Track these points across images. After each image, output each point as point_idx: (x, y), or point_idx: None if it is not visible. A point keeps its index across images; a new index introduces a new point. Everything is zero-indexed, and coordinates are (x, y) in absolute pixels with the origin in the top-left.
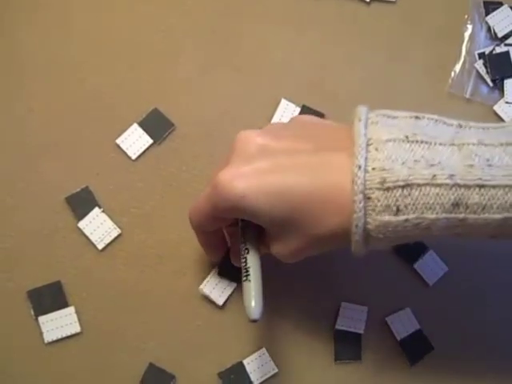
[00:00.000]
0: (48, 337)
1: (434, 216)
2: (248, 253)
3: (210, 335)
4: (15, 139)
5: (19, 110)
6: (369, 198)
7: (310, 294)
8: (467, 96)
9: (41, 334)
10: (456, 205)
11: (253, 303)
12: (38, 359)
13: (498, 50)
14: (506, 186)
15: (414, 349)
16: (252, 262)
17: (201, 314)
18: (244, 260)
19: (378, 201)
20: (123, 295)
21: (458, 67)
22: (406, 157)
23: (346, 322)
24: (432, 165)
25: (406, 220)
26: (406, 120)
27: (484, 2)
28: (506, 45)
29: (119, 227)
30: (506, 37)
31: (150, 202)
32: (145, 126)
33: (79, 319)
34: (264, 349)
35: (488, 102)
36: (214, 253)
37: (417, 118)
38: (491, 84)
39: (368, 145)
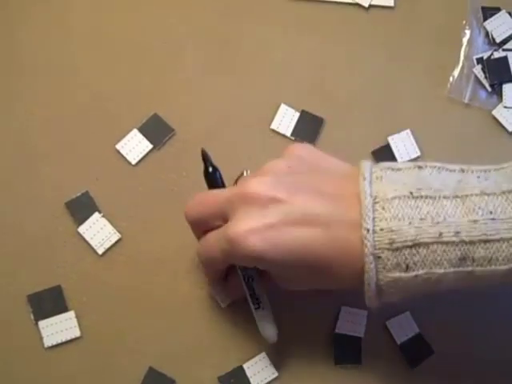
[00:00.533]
0: (48, 341)
1: (442, 271)
2: (253, 280)
3: (210, 339)
4: (15, 144)
5: (19, 114)
6: (379, 258)
7: (310, 298)
8: (466, 101)
9: (41, 338)
10: (463, 259)
11: (272, 330)
12: (38, 364)
13: (497, 55)
14: (510, 238)
15: (414, 353)
16: (259, 289)
17: (201, 319)
18: (251, 289)
19: (388, 260)
20: (123, 300)
21: (456, 72)
22: (413, 215)
23: (346, 325)
24: (438, 222)
25: (416, 276)
26: (410, 172)
27: (482, 8)
28: (504, 50)
29: (119, 232)
30: (504, 42)
31: (149, 206)
32: (145, 131)
33: (79, 324)
34: (264, 353)
35: (486, 107)
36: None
37: (420, 167)
38: (490, 89)
39: (375, 203)
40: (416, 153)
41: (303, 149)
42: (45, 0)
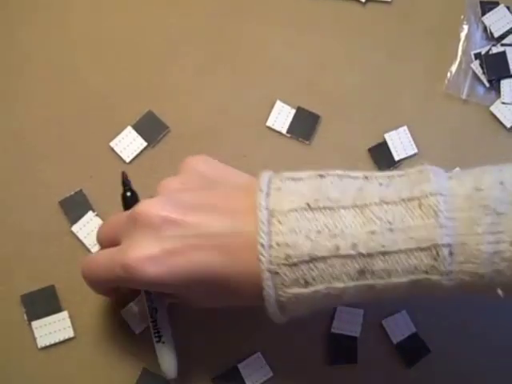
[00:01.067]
0: (41, 342)
1: (342, 285)
2: (157, 312)
3: (204, 340)
4: (8, 143)
5: (13, 114)
6: (276, 273)
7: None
8: (463, 97)
9: (34, 339)
10: (362, 272)
11: (170, 366)
12: (32, 364)
13: (495, 50)
14: (408, 249)
15: (411, 352)
16: (162, 322)
17: (194, 319)
18: (153, 321)
19: (286, 276)
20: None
21: (454, 67)
22: (309, 227)
23: (341, 325)
24: (335, 235)
25: (316, 291)
26: (310, 182)
27: (480, 2)
28: (502, 45)
29: None
30: (502, 37)
31: None
32: (139, 128)
33: (73, 324)
34: (259, 353)
35: (484, 103)
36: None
37: (321, 176)
38: (487, 84)
39: (271, 216)
40: (413, 149)
41: (199, 162)
42: (43, 1)
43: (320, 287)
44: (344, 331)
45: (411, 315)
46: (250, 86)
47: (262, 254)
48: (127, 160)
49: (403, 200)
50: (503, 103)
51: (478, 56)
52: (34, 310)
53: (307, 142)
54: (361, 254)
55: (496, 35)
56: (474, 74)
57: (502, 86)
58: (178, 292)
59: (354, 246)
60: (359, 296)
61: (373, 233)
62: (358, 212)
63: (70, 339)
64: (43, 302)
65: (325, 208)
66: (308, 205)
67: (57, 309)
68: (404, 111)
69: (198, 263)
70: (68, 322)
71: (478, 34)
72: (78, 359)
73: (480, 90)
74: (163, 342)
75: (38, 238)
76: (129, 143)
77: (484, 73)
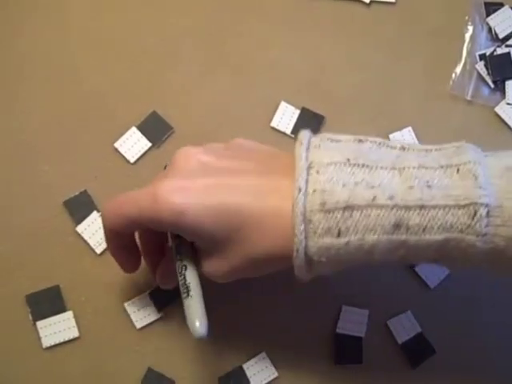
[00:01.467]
0: (46, 342)
1: (375, 237)
2: (186, 269)
3: (210, 340)
4: (13, 143)
5: (17, 113)
6: (310, 221)
7: (311, 298)
8: (468, 97)
9: (39, 338)
10: (397, 226)
11: (197, 322)
12: (37, 364)
13: (499, 51)
14: (446, 206)
15: (416, 352)
16: (191, 278)
17: None
18: (182, 277)
19: (319, 223)
20: (122, 299)
21: (458, 68)
22: (347, 179)
23: (346, 325)
24: (373, 186)
25: (348, 242)
26: (349, 144)
27: (485, 3)
28: (507, 46)
29: None
30: (507, 38)
31: None
32: (143, 129)
33: (77, 324)
34: (264, 353)
35: (489, 104)
36: (130, 261)
37: (360, 141)
38: (492, 85)
39: (309, 168)
40: None
41: (244, 140)
42: (43, 2)
43: (352, 238)
44: (349, 331)
45: (416, 315)
46: (254, 87)
47: (298, 199)
48: (132, 160)
49: (442, 166)
50: (508, 104)
51: (482, 57)
52: (39, 309)
53: None
54: (397, 206)
55: (501, 36)
56: (479, 75)
57: (506, 86)
58: (200, 238)
59: (392, 197)
60: (390, 253)
61: (411, 188)
62: (396, 173)
63: (74, 339)
64: (48, 302)
65: (364, 165)
66: (348, 160)
67: (61, 309)
68: (408, 112)
69: (229, 201)
70: (73, 322)
71: (483, 35)
72: (83, 359)
73: (485, 90)
74: (191, 297)
75: (42, 239)
76: (133, 144)
77: (489, 74)
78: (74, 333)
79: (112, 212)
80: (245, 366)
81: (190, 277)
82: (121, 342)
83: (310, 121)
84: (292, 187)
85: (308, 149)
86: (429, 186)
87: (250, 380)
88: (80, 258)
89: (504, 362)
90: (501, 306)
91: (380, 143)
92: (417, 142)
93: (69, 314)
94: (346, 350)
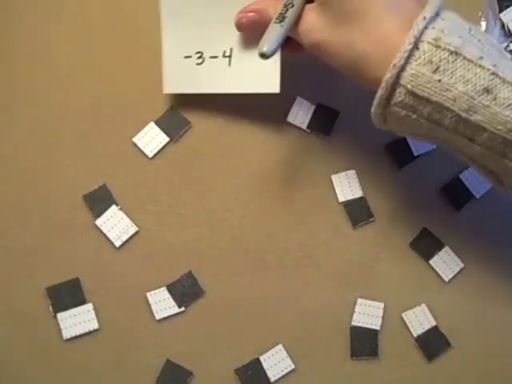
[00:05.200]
0: (67, 333)
1: (462, 90)
2: (292, 7)
3: (227, 331)
4: (33, 138)
5: (38, 108)
6: (417, 49)
7: (326, 290)
8: None
9: (59, 330)
10: (486, 91)
11: (268, 44)
12: (57, 355)
13: None
14: None
15: (431, 345)
16: (291, 15)
17: (217, 311)
18: (285, 9)
19: (424, 53)
20: (141, 292)
21: None
22: (464, 35)
23: (362, 318)
24: (483, 51)
25: (439, 81)
26: (476, 27)
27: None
28: None
29: (136, 225)
30: None
31: (166, 199)
32: (161, 124)
33: (97, 316)
34: (281, 345)
35: None
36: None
37: (484, 32)
38: None
39: (437, 13)
40: (432, 145)
41: None
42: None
43: (445, 80)
44: (365, 324)
45: (431, 309)
46: None
47: (418, 24)
48: (150, 155)
49: None
50: None
51: None
52: (59, 302)
53: (327, 138)
54: (496, 74)
55: None
56: None
57: None
58: None
59: (495, 65)
60: (459, 124)
61: None
62: (504, 56)
63: (94, 331)
64: (68, 295)
65: (480, 40)
66: (470, 29)
67: (81, 301)
68: None
69: None
70: (92, 314)
71: (496, 31)
72: (102, 350)
73: None
74: (281, 25)
75: (62, 232)
76: (151, 138)
77: None
78: (94, 325)
79: None
80: (262, 358)
81: (290, 14)
82: (140, 334)
83: (325, 116)
84: (417, 16)
85: (441, 5)
86: None
87: (267, 372)
88: (99, 251)
89: None
90: None
91: (498, 49)
92: None
93: (89, 307)
94: (362, 343)
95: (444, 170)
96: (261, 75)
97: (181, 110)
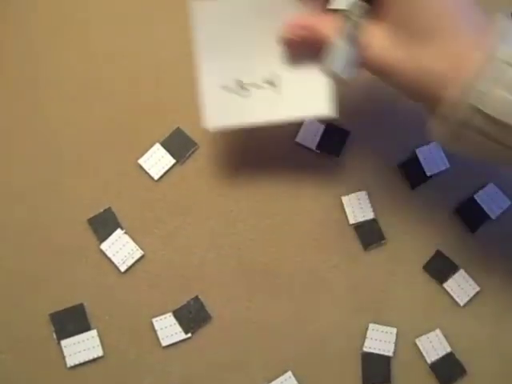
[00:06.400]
0: (70, 361)
1: None
2: (359, 17)
3: (235, 358)
4: (38, 161)
5: (43, 130)
6: (495, 68)
7: (337, 315)
8: None
9: (63, 357)
10: None
11: (348, 66)
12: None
13: None
14: None
15: (446, 372)
16: (360, 29)
17: (225, 337)
18: (351, 27)
19: (505, 73)
20: (146, 318)
21: None
22: None
23: (374, 344)
24: None
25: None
26: None
27: None
28: None
29: (142, 248)
30: None
31: (173, 222)
32: (167, 145)
33: (102, 342)
34: (290, 372)
35: None
36: None
37: None
38: None
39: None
40: (445, 165)
41: None
42: (66, 20)
43: None
44: (377, 350)
45: (446, 334)
46: None
47: (496, 47)
48: (156, 177)
49: None
50: None
51: None
52: (63, 328)
53: (337, 159)
54: None
55: None
56: None
57: None
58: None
59: None
60: None
61: None
62: None
63: (98, 358)
64: (72, 321)
65: None
66: None
67: (86, 327)
68: None
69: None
70: (97, 341)
71: None
72: (107, 378)
73: None
74: (353, 47)
75: (66, 256)
76: (157, 160)
77: None
78: (99, 352)
79: None
80: None
81: (359, 26)
82: (145, 361)
83: (336, 136)
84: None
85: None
86: None
87: None
88: (104, 276)
89: None
90: None
91: None
92: (444, 155)
93: (93, 333)
94: (374, 369)
95: (458, 190)
96: (314, 98)
97: (187, 132)
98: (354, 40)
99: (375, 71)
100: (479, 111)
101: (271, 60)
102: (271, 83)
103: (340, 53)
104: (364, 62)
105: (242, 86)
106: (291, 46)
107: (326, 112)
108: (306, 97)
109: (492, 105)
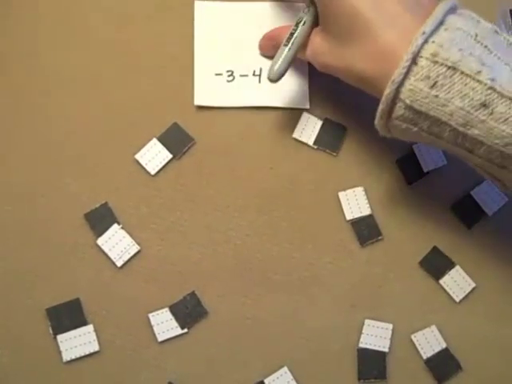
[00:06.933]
0: (66, 356)
1: (459, 105)
2: (303, 24)
3: (231, 353)
4: (33, 156)
5: (40, 125)
6: (415, 64)
7: (333, 311)
8: None
9: (59, 352)
10: (483, 106)
11: (276, 66)
12: (57, 378)
13: None
14: None
15: (441, 368)
16: (300, 35)
17: (221, 332)
18: (295, 29)
19: (422, 68)
20: (142, 313)
21: None
22: (465, 47)
23: (370, 339)
24: (483, 64)
25: (436, 97)
26: (485, 27)
27: (511, 11)
28: None
29: (138, 244)
30: None
31: (169, 217)
32: (164, 140)
33: (98, 337)
34: (286, 368)
35: None
36: None
37: (496, 32)
38: None
39: (441, 23)
40: (442, 161)
41: None
42: (65, 17)
43: (442, 95)
44: (372, 346)
45: (441, 330)
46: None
47: (417, 40)
48: (152, 172)
49: None
50: None
51: None
52: (59, 323)
53: (334, 154)
54: (494, 89)
55: None
56: None
57: None
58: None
59: (493, 79)
60: (458, 138)
61: None
62: (508, 69)
63: (95, 353)
64: (68, 316)
65: (486, 47)
66: (476, 35)
67: (82, 322)
68: None
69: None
70: (93, 336)
71: None
72: (103, 373)
73: None
74: (289, 49)
75: (63, 251)
76: (154, 155)
77: None
78: (95, 347)
79: None
80: (266, 381)
81: (301, 33)
82: (141, 357)
83: (333, 131)
84: (418, 29)
85: (448, 10)
86: None
87: None
88: (101, 271)
89: None
90: None
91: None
92: (441, 152)
93: (89, 328)
94: (370, 365)
95: (455, 186)
96: (290, 91)
97: (184, 127)
98: (292, 44)
99: (326, 72)
100: (405, 105)
101: (259, 57)
102: (257, 76)
103: (278, 56)
104: (313, 64)
105: (232, 75)
106: (264, 51)
107: (300, 105)
108: (284, 89)
109: (414, 98)
